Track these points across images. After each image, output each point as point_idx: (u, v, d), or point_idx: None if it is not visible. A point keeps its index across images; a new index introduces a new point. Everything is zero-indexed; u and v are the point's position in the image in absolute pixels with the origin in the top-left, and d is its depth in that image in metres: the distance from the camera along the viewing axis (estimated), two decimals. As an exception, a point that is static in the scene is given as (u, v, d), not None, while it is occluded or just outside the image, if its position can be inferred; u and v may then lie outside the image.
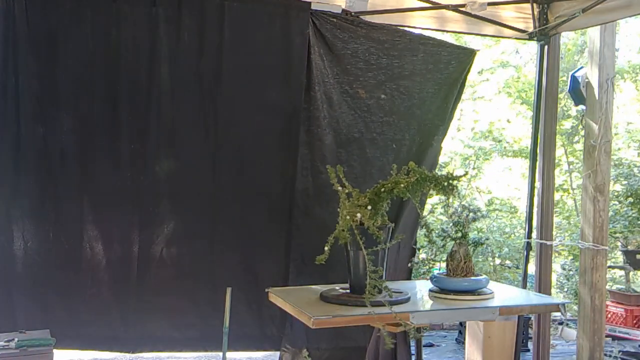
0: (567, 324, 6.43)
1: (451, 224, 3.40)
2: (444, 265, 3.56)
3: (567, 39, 9.46)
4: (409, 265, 3.76)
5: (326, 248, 2.97)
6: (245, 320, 3.66)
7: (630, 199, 7.56)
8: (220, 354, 3.38)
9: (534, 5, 4.13)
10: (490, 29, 4.26)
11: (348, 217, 3.03)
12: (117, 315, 3.45)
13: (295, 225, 3.70)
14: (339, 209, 3.15)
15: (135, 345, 3.54)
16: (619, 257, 7.82)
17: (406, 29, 4.03)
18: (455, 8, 4.03)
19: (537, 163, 4.34)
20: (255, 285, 3.56)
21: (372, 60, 3.82)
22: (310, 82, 3.68)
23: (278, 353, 3.78)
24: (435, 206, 7.95)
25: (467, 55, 4.10)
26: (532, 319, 4.62)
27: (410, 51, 3.92)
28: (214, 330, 3.53)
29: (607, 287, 5.60)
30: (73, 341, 3.41)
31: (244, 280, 3.58)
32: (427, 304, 3.17)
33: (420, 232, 6.40)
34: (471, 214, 3.45)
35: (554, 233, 4.76)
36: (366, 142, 3.87)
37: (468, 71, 4.14)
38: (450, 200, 3.24)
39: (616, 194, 7.67)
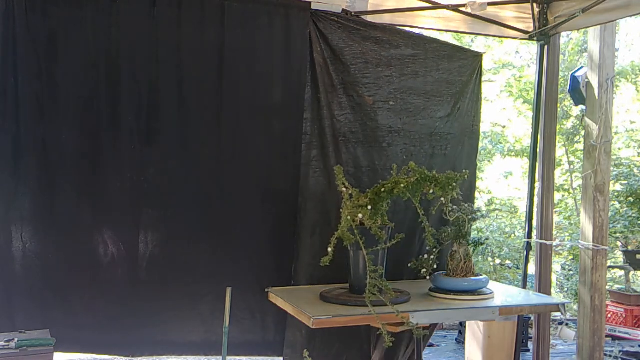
0: (567, 324, 6.43)
1: (451, 224, 3.40)
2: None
3: (568, 38, 9.46)
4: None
5: (330, 249, 2.98)
6: (246, 325, 3.65)
7: (630, 199, 7.57)
8: (221, 358, 3.38)
9: (534, 5, 4.13)
10: (490, 29, 4.25)
11: (349, 218, 3.04)
12: (116, 319, 3.41)
13: (299, 228, 3.69)
14: (341, 210, 3.15)
15: (135, 349, 3.52)
16: (619, 257, 7.82)
17: (407, 29, 4.02)
18: (455, 8, 4.03)
19: (537, 163, 4.34)
20: (258, 289, 3.55)
21: (376, 63, 3.77)
22: (312, 83, 3.67)
23: (279, 358, 3.77)
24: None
25: (473, 59, 4.07)
26: (532, 319, 4.62)
27: (416, 53, 3.87)
28: (214, 335, 3.51)
29: (607, 287, 5.60)
30: (72, 344, 3.38)
31: (246, 284, 3.56)
32: (427, 304, 3.17)
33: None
34: (471, 214, 3.45)
35: (554, 233, 4.76)
36: (375, 154, 3.83)
37: (478, 76, 4.08)
38: (450, 200, 3.23)
39: (616, 194, 7.67)
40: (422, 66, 3.90)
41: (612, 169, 5.82)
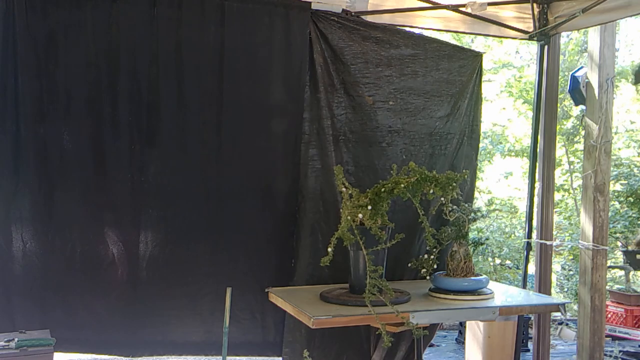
0: (567, 324, 6.43)
1: (450, 224, 3.40)
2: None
3: (568, 38, 9.46)
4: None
5: (329, 249, 2.97)
6: (246, 326, 3.64)
7: (630, 199, 7.57)
8: (220, 358, 3.37)
9: (534, 5, 4.13)
10: (490, 29, 4.25)
11: (349, 217, 3.03)
12: (116, 319, 3.42)
13: (298, 228, 3.69)
14: (341, 210, 3.15)
15: (135, 349, 3.52)
16: (619, 257, 7.83)
17: (407, 28, 4.02)
18: (455, 8, 4.03)
19: (537, 163, 4.34)
20: (258, 289, 3.55)
21: (376, 62, 3.76)
22: (312, 83, 3.67)
23: (279, 358, 3.77)
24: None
25: (473, 59, 4.07)
26: (532, 319, 4.62)
27: (416, 53, 3.87)
28: (214, 335, 3.51)
29: (607, 287, 5.60)
30: (72, 344, 3.38)
31: (246, 284, 3.56)
32: (427, 304, 3.17)
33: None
34: (471, 214, 3.45)
35: (554, 233, 4.76)
36: (374, 153, 3.81)
37: (478, 76, 4.07)
38: (450, 200, 3.23)
39: (616, 194, 7.68)
40: (421, 66, 3.90)
41: (612, 169, 5.82)
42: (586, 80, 4.31)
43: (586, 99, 4.36)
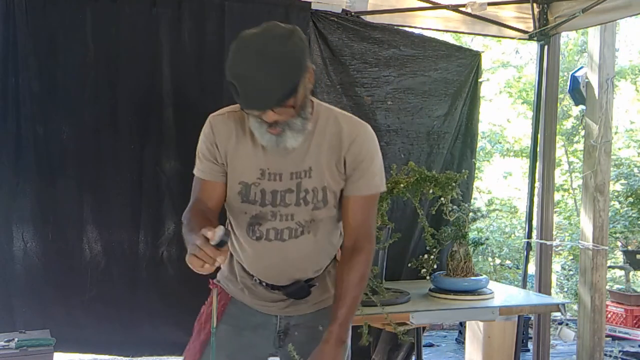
0: (567, 324, 6.43)
1: (451, 224, 3.40)
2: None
3: (568, 38, 9.46)
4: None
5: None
6: None
7: (630, 199, 7.57)
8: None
9: (534, 5, 4.13)
10: (490, 29, 4.26)
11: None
12: (116, 319, 3.41)
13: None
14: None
15: (135, 349, 3.51)
16: (619, 257, 7.83)
17: (407, 29, 4.02)
18: (455, 8, 4.03)
19: (537, 163, 4.34)
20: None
21: (375, 63, 3.76)
22: (311, 83, 3.67)
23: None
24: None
25: (471, 58, 4.07)
26: (532, 319, 4.63)
27: (415, 53, 3.87)
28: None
29: (607, 287, 5.60)
30: (71, 344, 3.37)
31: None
32: (427, 304, 3.17)
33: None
34: (471, 214, 3.45)
35: (554, 233, 4.76)
36: None
37: (476, 75, 4.08)
38: (450, 199, 3.23)
39: (616, 194, 7.68)
40: (420, 66, 3.90)
41: (612, 169, 5.81)
42: (586, 80, 4.31)
43: (586, 99, 4.36)
